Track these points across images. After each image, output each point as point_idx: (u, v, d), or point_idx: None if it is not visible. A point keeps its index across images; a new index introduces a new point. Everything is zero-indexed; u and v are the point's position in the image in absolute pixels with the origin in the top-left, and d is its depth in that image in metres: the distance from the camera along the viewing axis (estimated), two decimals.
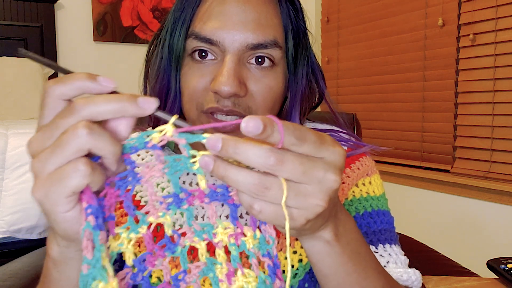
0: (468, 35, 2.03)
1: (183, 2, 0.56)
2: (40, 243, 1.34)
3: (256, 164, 0.30)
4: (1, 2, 2.31)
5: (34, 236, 1.36)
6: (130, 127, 0.33)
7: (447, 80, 2.17)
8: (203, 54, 0.54)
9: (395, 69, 2.43)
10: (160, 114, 0.34)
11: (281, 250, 0.57)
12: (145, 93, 0.62)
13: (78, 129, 0.30)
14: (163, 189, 0.60)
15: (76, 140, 0.30)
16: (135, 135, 0.34)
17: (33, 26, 2.36)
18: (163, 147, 0.59)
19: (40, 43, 2.38)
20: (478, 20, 2.00)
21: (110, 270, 0.31)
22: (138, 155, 0.63)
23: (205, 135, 0.32)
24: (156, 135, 0.33)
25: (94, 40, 2.58)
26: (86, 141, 0.30)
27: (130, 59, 2.59)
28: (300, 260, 0.57)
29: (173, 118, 0.33)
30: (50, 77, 2.27)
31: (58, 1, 2.45)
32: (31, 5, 2.37)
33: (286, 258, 0.57)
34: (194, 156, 0.33)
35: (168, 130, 0.33)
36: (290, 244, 0.58)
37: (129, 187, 0.35)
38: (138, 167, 0.35)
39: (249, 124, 0.29)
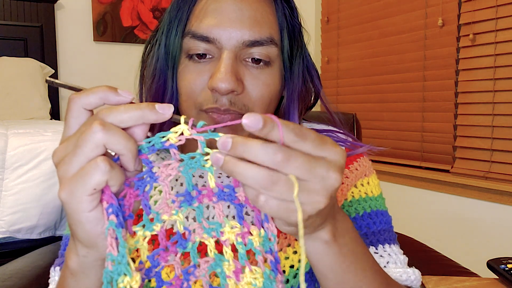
0: (468, 35, 2.03)
1: (179, 1, 0.56)
2: (40, 243, 1.34)
3: (264, 160, 0.32)
4: (1, 2, 2.31)
5: (34, 236, 1.36)
6: (145, 132, 0.36)
7: (447, 80, 2.17)
8: (201, 54, 0.54)
9: (395, 69, 2.44)
10: (176, 117, 0.35)
11: (280, 250, 0.57)
12: (140, 95, 0.62)
13: (93, 126, 0.32)
14: (179, 185, 0.61)
15: (92, 136, 0.32)
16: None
17: (33, 26, 2.36)
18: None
19: (40, 43, 2.38)
20: (478, 20, 2.00)
21: (132, 265, 0.32)
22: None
23: (219, 134, 0.34)
24: (173, 135, 0.35)
25: (94, 40, 2.58)
26: (101, 136, 0.32)
27: (130, 59, 2.59)
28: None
29: (182, 118, 0.35)
30: (51, 77, 2.27)
31: (58, 1, 2.45)
32: (31, 5, 2.37)
33: (286, 258, 0.57)
34: (207, 154, 0.35)
35: (184, 129, 0.35)
36: (289, 245, 0.58)
37: (147, 187, 0.37)
38: (156, 167, 0.36)
39: (250, 119, 0.31)
